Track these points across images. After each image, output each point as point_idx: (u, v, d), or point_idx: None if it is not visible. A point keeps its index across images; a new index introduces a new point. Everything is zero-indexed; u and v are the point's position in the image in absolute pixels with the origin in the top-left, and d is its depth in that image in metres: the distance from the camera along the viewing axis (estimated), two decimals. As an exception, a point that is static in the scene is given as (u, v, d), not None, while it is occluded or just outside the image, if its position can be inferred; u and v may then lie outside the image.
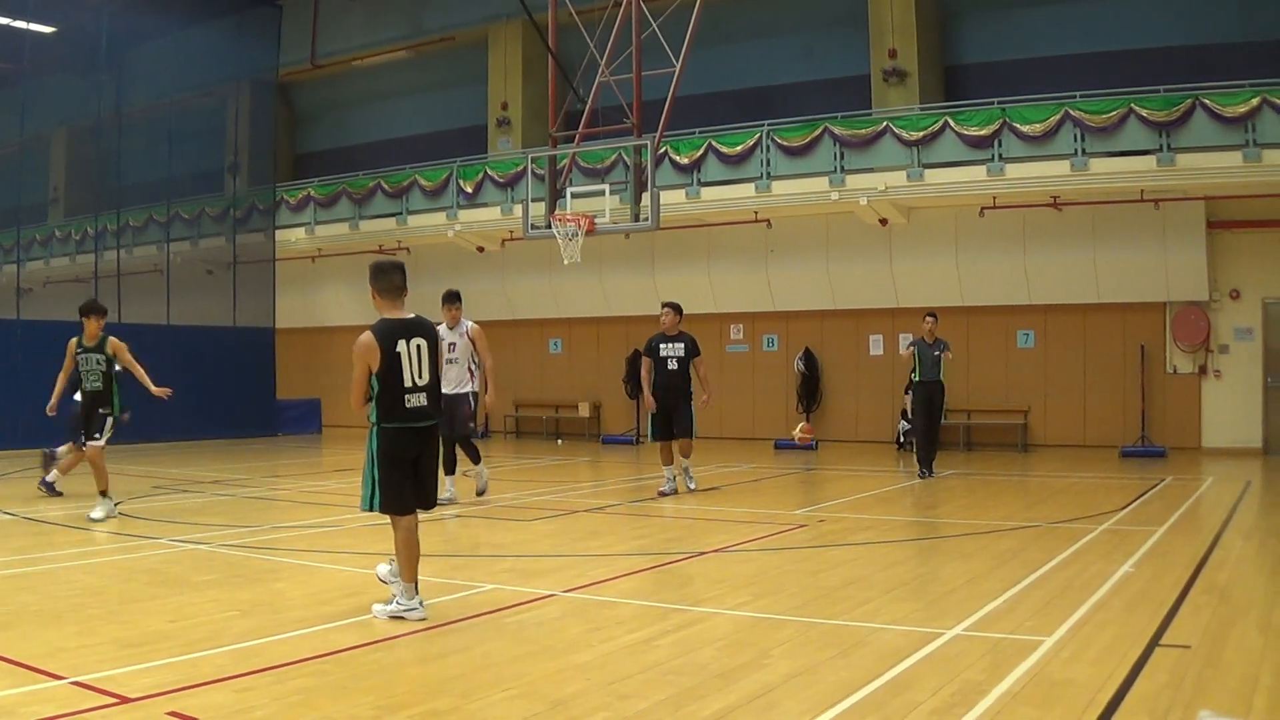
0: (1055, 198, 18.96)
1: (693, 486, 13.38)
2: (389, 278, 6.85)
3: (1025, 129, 18.30)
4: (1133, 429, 19.35)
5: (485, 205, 23.61)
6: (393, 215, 24.83)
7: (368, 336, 6.58)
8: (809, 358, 22.00)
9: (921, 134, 19.08)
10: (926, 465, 15.08)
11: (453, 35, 26.50)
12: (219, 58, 25.06)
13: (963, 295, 20.51)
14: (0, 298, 22.18)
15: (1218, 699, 4.89)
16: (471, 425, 12.66)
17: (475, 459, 12.62)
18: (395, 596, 6.62)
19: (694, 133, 21.15)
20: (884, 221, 20.48)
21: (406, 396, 6.58)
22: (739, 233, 21.91)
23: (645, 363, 13.04)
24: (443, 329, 11.63)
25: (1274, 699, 4.91)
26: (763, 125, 20.57)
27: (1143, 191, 18.31)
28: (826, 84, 22.68)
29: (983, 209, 19.58)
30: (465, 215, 23.82)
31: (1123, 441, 19.16)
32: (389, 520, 6.71)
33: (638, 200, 16.59)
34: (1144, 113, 17.48)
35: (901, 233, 20.73)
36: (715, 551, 9.22)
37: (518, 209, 20.48)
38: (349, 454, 21.01)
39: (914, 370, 15.03)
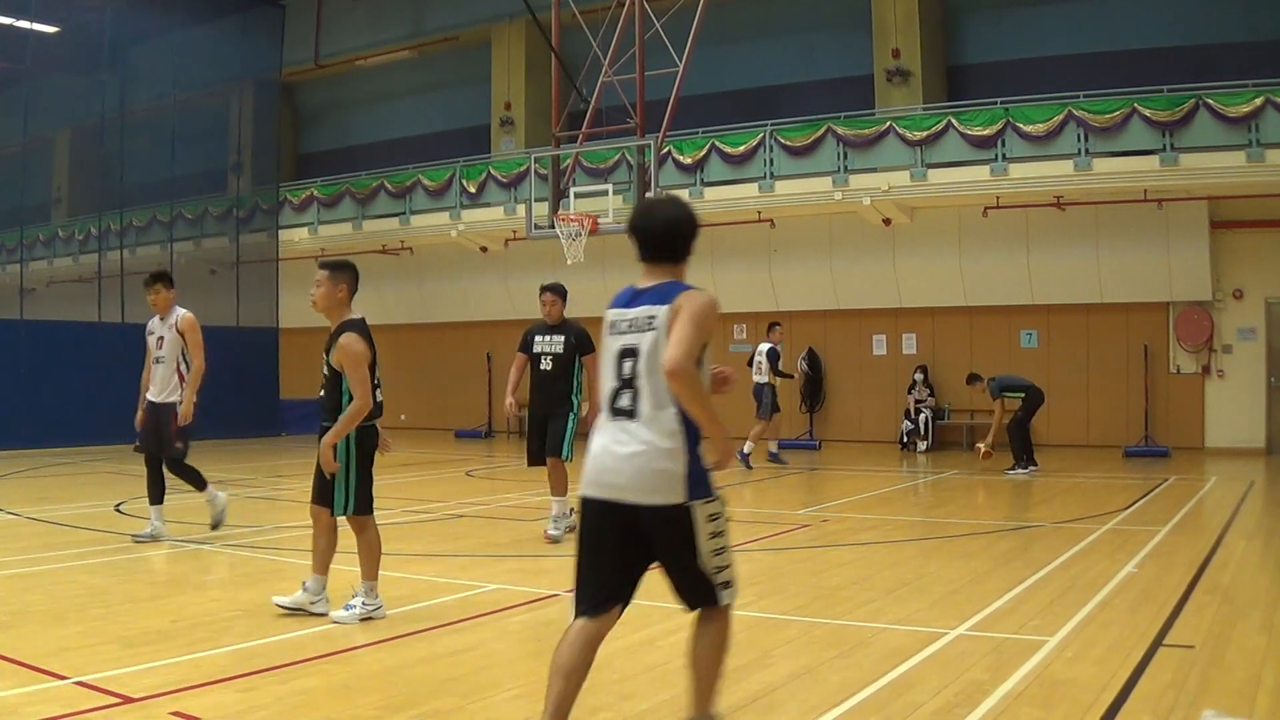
0: (1058, 198, 18.95)
1: (554, 534, 9.77)
2: (357, 279, 6.82)
3: (1028, 129, 18.29)
4: (1136, 429, 19.33)
5: (488, 205, 23.61)
6: (396, 215, 24.85)
7: (359, 338, 6.52)
8: (812, 357, 22.00)
9: (924, 134, 19.08)
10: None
11: (456, 35, 26.52)
12: (222, 57, 25.09)
13: (966, 295, 20.50)
14: (4, 298, 22.21)
15: (1221, 699, 4.88)
16: (179, 445, 9.67)
17: (199, 484, 10.01)
18: (360, 599, 6.61)
19: (697, 133, 21.14)
20: (887, 221, 20.47)
21: (376, 392, 6.66)
22: (742, 233, 21.89)
23: (516, 360, 10.10)
24: (153, 321, 9.68)
25: (1277, 699, 4.91)
26: (766, 125, 20.57)
27: (1146, 191, 18.28)
28: (829, 84, 22.67)
29: (986, 209, 19.56)
30: (468, 215, 23.83)
31: (1126, 441, 19.15)
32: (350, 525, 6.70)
33: (641, 200, 16.59)
34: (1147, 113, 17.47)
35: (905, 233, 20.71)
36: (718, 551, 9.20)
37: (521, 209, 20.52)
38: (352, 454, 21.02)
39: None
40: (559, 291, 10.10)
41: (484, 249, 24.84)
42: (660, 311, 4.16)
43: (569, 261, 16.95)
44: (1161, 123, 17.39)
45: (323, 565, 6.72)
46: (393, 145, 28.05)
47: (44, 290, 24.67)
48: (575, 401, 9.91)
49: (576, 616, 4.09)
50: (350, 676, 5.39)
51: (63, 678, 5.27)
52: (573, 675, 4.08)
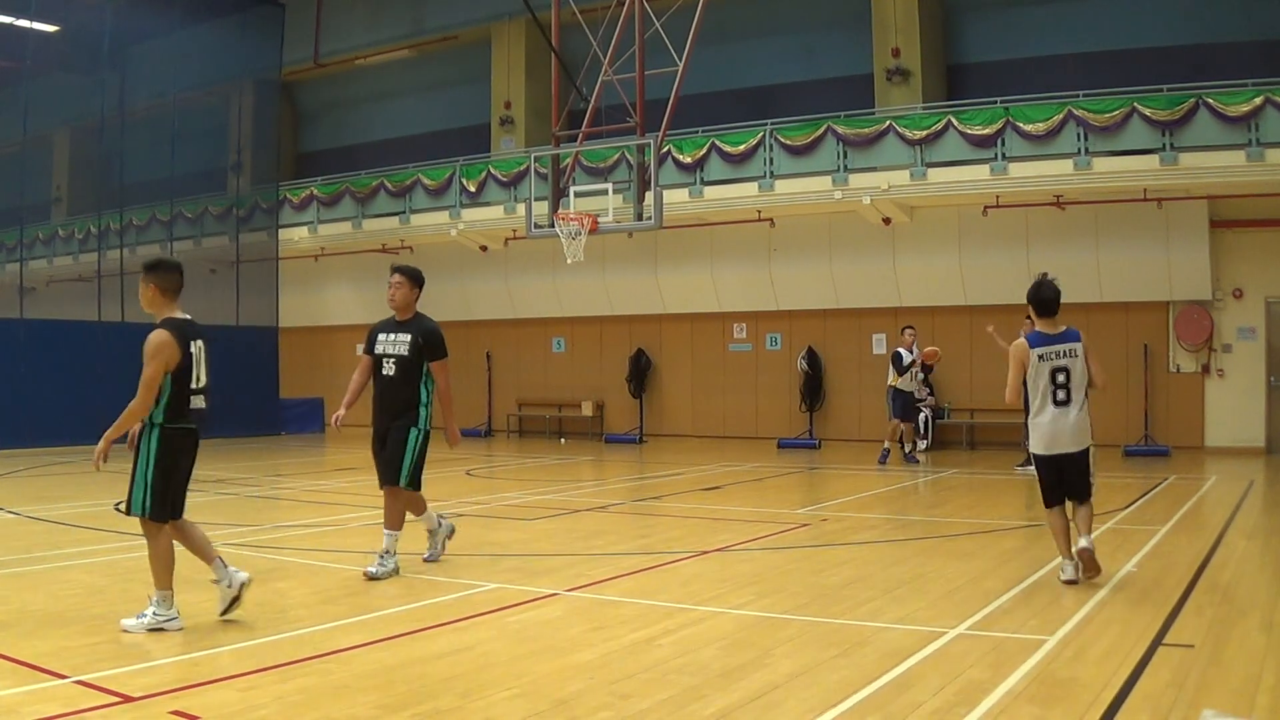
0: (1058, 197, 18.95)
1: (373, 571, 7.88)
2: (175, 277, 6.58)
3: (1028, 128, 18.28)
4: (1136, 428, 19.33)
5: (488, 204, 23.62)
6: (395, 214, 24.85)
7: (165, 334, 6.30)
8: (812, 357, 21.99)
9: (924, 133, 19.07)
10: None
11: (456, 34, 26.52)
12: (222, 56, 25.08)
13: (966, 294, 20.49)
14: (3, 297, 22.20)
15: (1221, 698, 4.88)
16: None
17: None
18: (152, 609, 6.33)
19: (697, 132, 21.14)
20: (887, 221, 20.47)
21: (192, 398, 6.47)
22: (742, 232, 21.91)
23: (360, 363, 8.38)
24: None
25: (1277, 698, 4.91)
26: (766, 124, 20.57)
27: (1145, 191, 18.28)
28: (829, 83, 22.68)
29: (986, 208, 19.56)
30: (468, 214, 23.84)
31: (1126, 440, 19.14)
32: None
33: (641, 199, 16.58)
34: (1147, 112, 17.47)
35: (904, 232, 20.71)
36: (717, 551, 9.22)
37: (521, 208, 20.51)
38: (353, 453, 21.02)
39: None
40: (409, 274, 8.25)
41: (484, 248, 24.84)
42: (1079, 347, 7.67)
43: (569, 260, 16.93)
44: (1161, 122, 17.38)
45: (207, 557, 6.56)
46: (392, 144, 28.06)
47: (44, 289, 24.67)
48: (422, 414, 8.09)
49: (1051, 508, 7.78)
50: (349, 676, 5.38)
51: (63, 677, 5.27)
52: (1066, 529, 7.78)
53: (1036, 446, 7.73)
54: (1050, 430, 7.59)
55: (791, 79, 23.32)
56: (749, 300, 22.69)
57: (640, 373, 23.73)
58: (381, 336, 8.19)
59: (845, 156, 19.83)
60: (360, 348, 8.65)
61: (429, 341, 8.05)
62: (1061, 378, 7.56)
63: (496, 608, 6.94)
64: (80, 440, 19.83)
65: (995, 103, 18.83)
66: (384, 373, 8.12)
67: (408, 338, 8.06)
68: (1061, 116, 18.08)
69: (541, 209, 17.60)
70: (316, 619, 6.61)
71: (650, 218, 16.45)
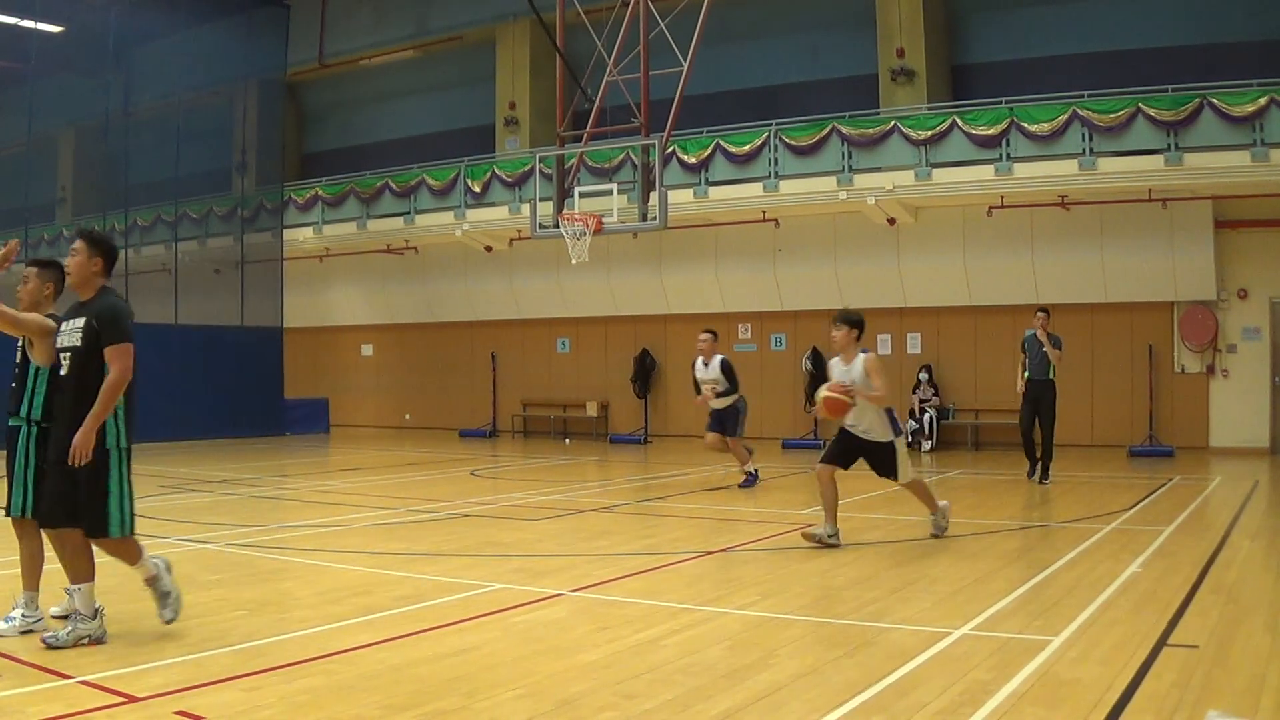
0: (1063, 197, 18.93)
1: (170, 617, 6.33)
2: (60, 278, 6.55)
3: (1033, 128, 18.26)
4: (1140, 428, 19.31)
5: (493, 205, 23.63)
6: (400, 215, 24.87)
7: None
8: (816, 357, 21.93)
9: (929, 133, 19.06)
10: (1033, 467, 14.61)
11: (460, 35, 26.54)
12: (227, 57, 25.10)
13: (970, 295, 20.48)
14: (8, 297, 22.15)
15: (1225, 699, 4.88)
16: None
17: None
18: (20, 610, 6.28)
19: (701, 132, 21.14)
20: (892, 221, 20.46)
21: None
22: (747, 232, 21.90)
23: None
24: None
25: (1282, 700, 4.91)
26: (770, 125, 20.56)
27: (1150, 191, 18.26)
28: (834, 83, 22.66)
29: (990, 208, 19.54)
30: (473, 215, 23.85)
31: (1130, 441, 19.12)
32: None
33: (645, 200, 16.60)
34: (1152, 112, 17.45)
35: (909, 232, 20.70)
36: (722, 551, 9.22)
37: (525, 208, 20.52)
38: (357, 454, 21.05)
39: (1024, 368, 14.74)
40: (89, 239, 6.24)
41: (489, 248, 24.85)
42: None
43: (573, 261, 16.95)
44: (1166, 122, 17.36)
45: (30, 579, 6.43)
46: (397, 145, 28.08)
47: (48, 290, 24.67)
48: (111, 429, 6.00)
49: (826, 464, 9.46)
50: (354, 676, 5.39)
51: (67, 677, 5.28)
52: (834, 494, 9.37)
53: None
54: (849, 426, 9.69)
55: (796, 79, 23.30)
56: (753, 301, 22.68)
57: (645, 373, 23.73)
58: (64, 325, 6.22)
59: (850, 157, 19.82)
60: None
61: (104, 322, 6.00)
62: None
63: (501, 608, 6.94)
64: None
65: (1000, 103, 18.81)
66: (60, 373, 6.12)
67: (81, 324, 6.04)
68: (1066, 117, 18.07)
69: (546, 209, 17.63)
70: (321, 619, 6.61)
71: (655, 218, 16.46)
